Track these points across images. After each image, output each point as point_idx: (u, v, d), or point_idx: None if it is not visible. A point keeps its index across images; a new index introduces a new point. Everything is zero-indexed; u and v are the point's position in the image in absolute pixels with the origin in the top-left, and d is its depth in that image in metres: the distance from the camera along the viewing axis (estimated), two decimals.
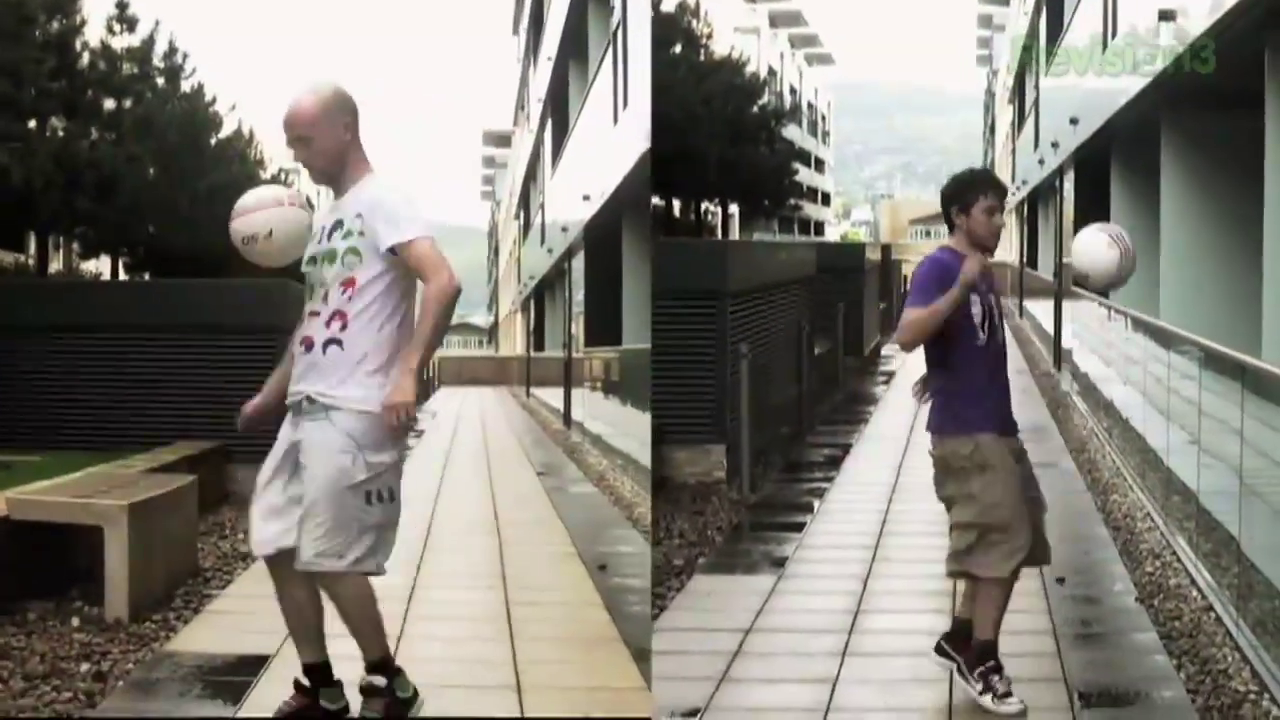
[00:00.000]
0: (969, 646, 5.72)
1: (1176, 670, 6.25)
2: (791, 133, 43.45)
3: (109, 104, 23.99)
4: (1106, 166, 17.81)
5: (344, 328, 4.99)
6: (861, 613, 7.37)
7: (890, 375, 21.67)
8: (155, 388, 12.70)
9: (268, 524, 5.14)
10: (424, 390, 33.69)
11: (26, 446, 12.15)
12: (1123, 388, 12.45)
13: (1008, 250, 40.64)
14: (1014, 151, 39.53)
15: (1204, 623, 6.99)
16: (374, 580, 5.18)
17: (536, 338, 37.68)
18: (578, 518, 11.79)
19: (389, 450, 5.07)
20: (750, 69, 37.34)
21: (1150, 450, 10.27)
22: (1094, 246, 6.00)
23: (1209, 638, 6.73)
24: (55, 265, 28.24)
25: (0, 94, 19.71)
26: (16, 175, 19.54)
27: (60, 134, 22.65)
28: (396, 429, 4.96)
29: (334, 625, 5.28)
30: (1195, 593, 7.57)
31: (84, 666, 6.42)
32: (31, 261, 26.60)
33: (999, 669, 5.60)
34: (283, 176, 35.38)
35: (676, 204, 35.58)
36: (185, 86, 26.93)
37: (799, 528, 9.84)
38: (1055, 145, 22.70)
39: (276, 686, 5.75)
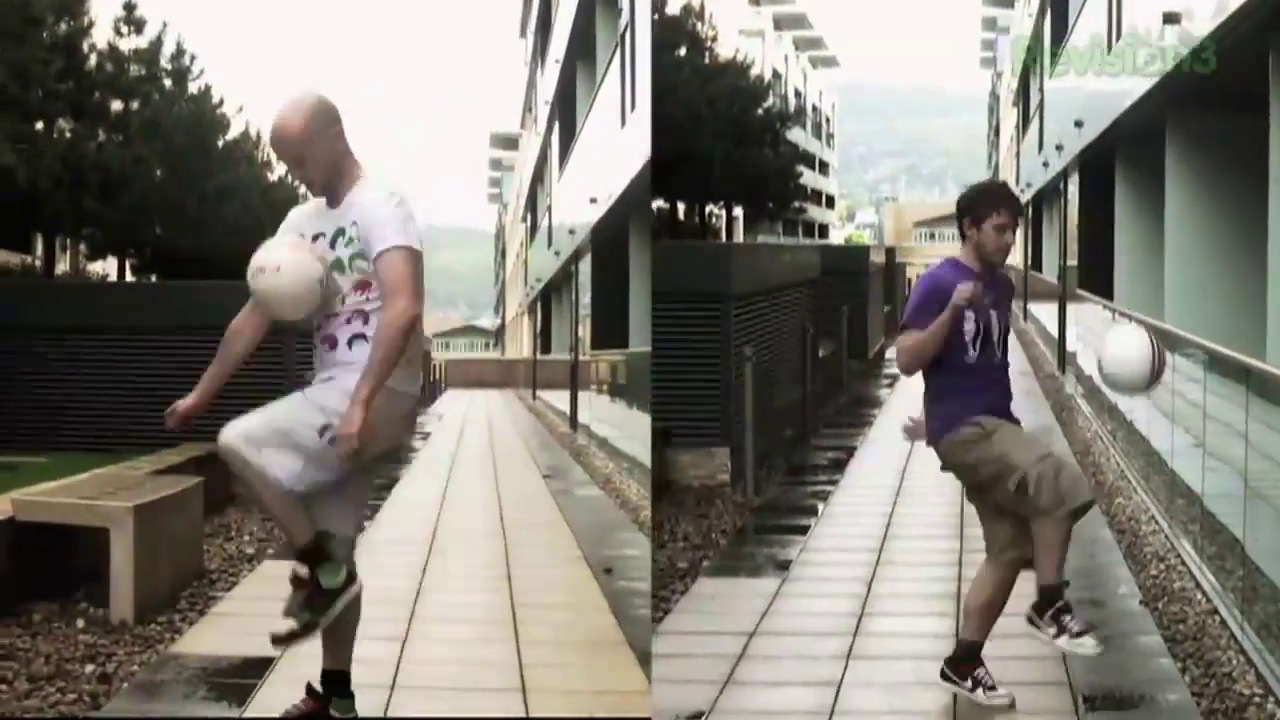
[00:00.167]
0: (973, 668, 5.74)
1: (1181, 673, 6.24)
2: (796, 135, 43.46)
3: (116, 105, 23.98)
4: (1111, 169, 17.80)
5: (366, 321, 4.99)
6: (865, 616, 7.37)
7: (894, 378, 21.65)
8: (162, 389, 12.62)
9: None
10: (429, 393, 33.70)
11: (32, 448, 12.18)
12: None
13: (1012, 253, 40.59)
14: (1018, 154, 39.51)
15: (1209, 626, 6.99)
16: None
17: (543, 340, 37.71)
18: (583, 521, 11.79)
19: (378, 425, 4.91)
20: (755, 72, 37.36)
21: (1155, 453, 10.26)
22: (1129, 349, 5.83)
23: (1214, 641, 6.72)
24: (62, 266, 28.25)
25: (7, 95, 19.69)
26: (23, 176, 19.53)
27: (67, 135, 22.65)
28: (344, 459, 4.84)
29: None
30: (1200, 596, 7.56)
31: (89, 668, 6.43)
32: (38, 263, 26.63)
33: (1069, 609, 5.52)
34: (289, 178, 35.43)
35: (681, 207, 35.59)
36: (193, 88, 26.94)
37: (803, 530, 9.84)
38: (1060, 148, 22.70)
39: (281, 689, 5.76)
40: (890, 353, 25.73)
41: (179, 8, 46.45)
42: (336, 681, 5.22)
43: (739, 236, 43.01)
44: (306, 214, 5.20)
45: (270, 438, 4.89)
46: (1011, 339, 5.98)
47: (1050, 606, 5.55)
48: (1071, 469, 5.63)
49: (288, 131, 4.97)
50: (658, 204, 31.18)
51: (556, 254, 29.65)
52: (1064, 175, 23.89)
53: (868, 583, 8.13)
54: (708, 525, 10.00)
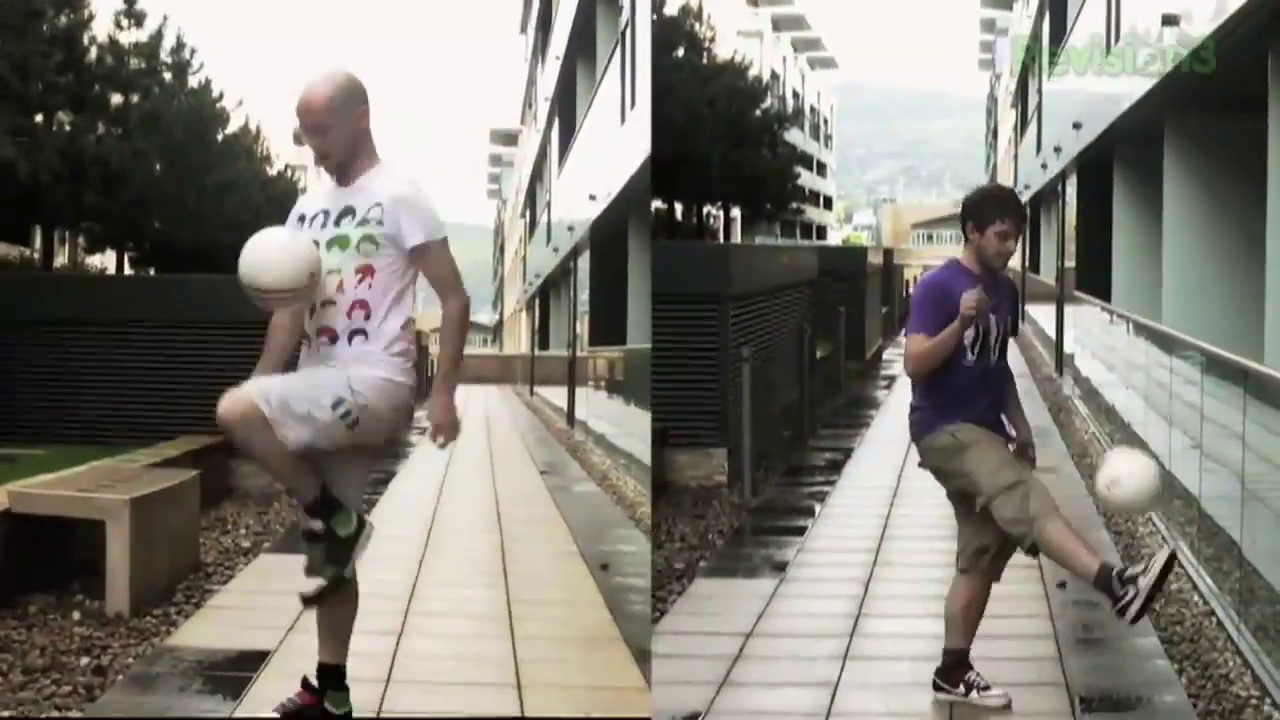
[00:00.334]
0: (964, 673, 5.76)
1: (1178, 675, 6.24)
2: (794, 136, 43.48)
3: (116, 99, 24.01)
4: (1109, 171, 17.80)
5: (368, 317, 4.97)
6: (863, 617, 7.37)
7: (892, 380, 21.66)
8: (159, 382, 12.75)
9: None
10: (426, 387, 33.54)
11: (29, 440, 12.19)
12: (1125, 392, 12.45)
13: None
14: (1016, 156, 39.51)
15: (1205, 627, 6.99)
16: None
17: (541, 336, 37.70)
18: (580, 517, 11.81)
19: (382, 414, 4.97)
20: (753, 72, 37.37)
21: (1152, 455, 10.25)
22: (1139, 467, 5.66)
23: (1210, 642, 6.73)
24: (61, 260, 28.28)
25: (7, 88, 19.69)
26: (23, 169, 19.54)
27: (67, 128, 22.66)
28: (443, 446, 5.00)
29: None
30: (1197, 597, 7.56)
31: (84, 660, 6.43)
32: (37, 256, 26.65)
33: (1123, 573, 5.37)
34: (289, 172, 35.45)
35: (679, 207, 35.60)
36: (192, 82, 26.99)
37: (800, 531, 9.84)
38: (1058, 150, 22.69)
39: (276, 682, 5.76)
40: (888, 354, 25.74)
41: (179, 1, 46.44)
42: (332, 675, 5.21)
43: (737, 237, 43.01)
44: (310, 197, 5.23)
45: (284, 398, 4.84)
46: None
47: (1114, 576, 5.36)
48: (1039, 489, 5.58)
49: (315, 100, 4.99)
50: (655, 205, 31.19)
51: (555, 250, 29.67)
52: (1062, 177, 23.88)
53: (865, 584, 8.13)
54: (705, 526, 10.00)
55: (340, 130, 5.02)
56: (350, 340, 4.97)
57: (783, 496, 11.47)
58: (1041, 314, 27.30)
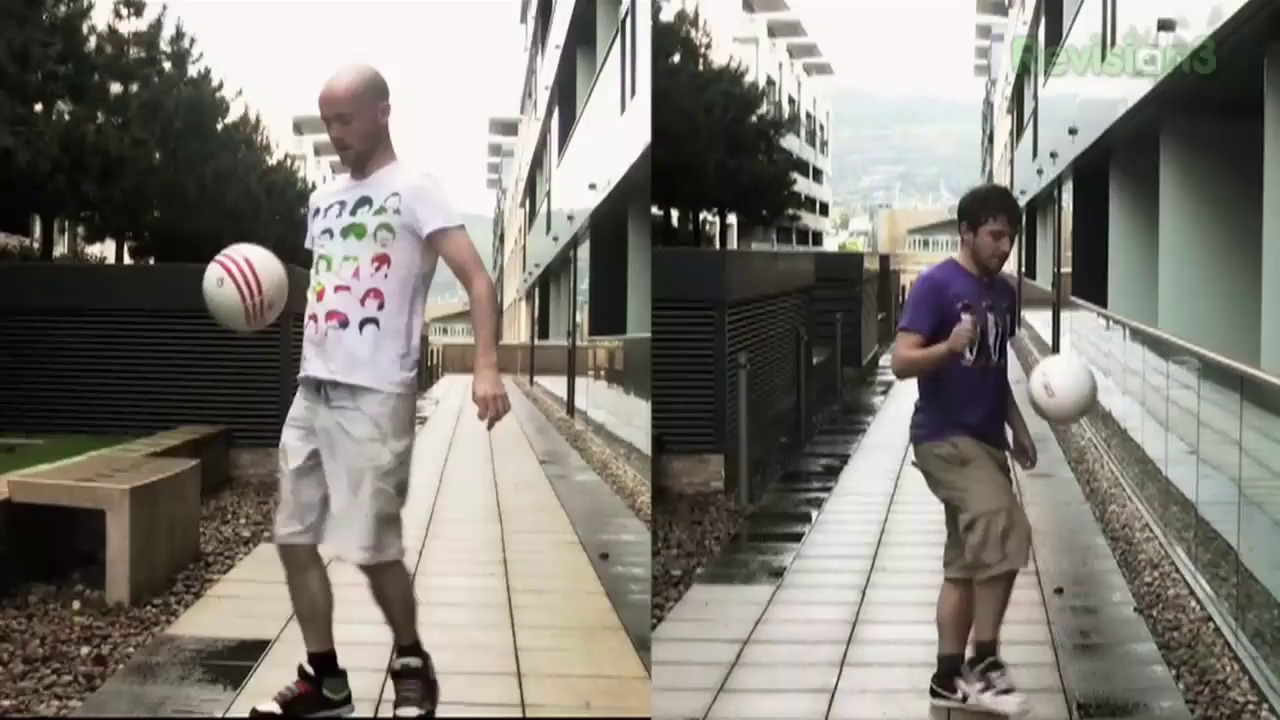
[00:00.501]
0: (959, 679, 5.74)
1: (1175, 680, 6.23)
2: (790, 142, 43.51)
3: (115, 88, 24.00)
4: (1105, 176, 17.82)
5: (381, 306, 5.01)
6: (860, 623, 7.35)
7: (888, 386, 21.65)
8: (159, 372, 12.74)
9: (301, 516, 5.11)
10: (426, 378, 33.70)
11: (29, 430, 12.19)
12: (1121, 398, 12.44)
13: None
14: (1012, 161, 39.57)
15: (1203, 633, 6.98)
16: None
17: (541, 326, 37.75)
18: (580, 506, 11.85)
19: (406, 436, 5.14)
20: (749, 79, 37.40)
21: (1149, 460, 10.26)
22: (1075, 369, 5.78)
23: (1208, 648, 6.72)
24: (60, 249, 28.25)
25: (7, 77, 19.64)
26: (22, 158, 19.48)
27: (66, 117, 22.61)
28: (492, 419, 4.98)
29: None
30: (1194, 603, 7.55)
31: (84, 650, 6.45)
32: (36, 245, 26.62)
33: (999, 665, 5.58)
34: (288, 162, 35.47)
35: (675, 213, 35.61)
36: (192, 71, 26.99)
37: (797, 538, 9.82)
38: (1054, 155, 22.73)
39: (277, 671, 5.77)
40: (884, 360, 25.72)
41: None
42: (325, 663, 5.22)
43: (733, 244, 43.02)
44: (325, 191, 5.25)
45: (384, 537, 5.19)
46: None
47: (981, 662, 5.59)
48: (1022, 530, 5.56)
49: (338, 90, 5.04)
50: (651, 211, 31.19)
51: (555, 240, 29.69)
52: (1058, 182, 23.92)
53: (862, 590, 8.12)
54: (701, 532, 9.98)
55: (361, 122, 5.06)
56: (361, 329, 5.00)
57: (779, 502, 11.46)
58: (1037, 319, 27.32)
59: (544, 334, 36.05)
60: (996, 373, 5.77)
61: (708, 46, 34.56)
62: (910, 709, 5.86)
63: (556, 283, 33.83)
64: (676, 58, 32.25)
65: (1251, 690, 6.04)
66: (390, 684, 5.31)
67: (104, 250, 28.62)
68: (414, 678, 5.16)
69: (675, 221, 35.66)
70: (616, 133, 18.38)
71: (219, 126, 27.90)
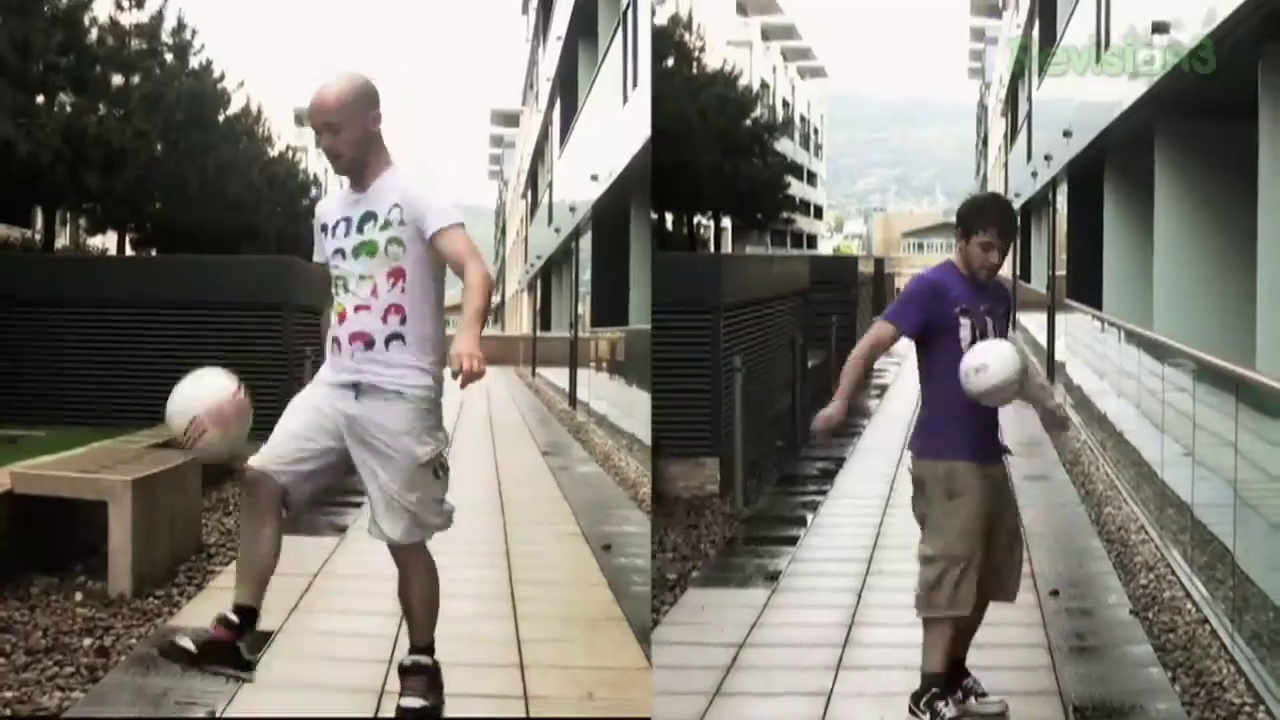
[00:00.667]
0: (958, 679, 5.73)
1: (1171, 683, 6.23)
2: (784, 146, 43.54)
3: (117, 79, 24.02)
4: (1099, 179, 17.82)
5: (403, 321, 5.02)
6: (856, 626, 7.35)
7: (883, 389, 21.66)
8: (160, 363, 12.73)
9: (294, 466, 5.05)
10: None
11: (31, 421, 12.19)
12: (1116, 400, 12.45)
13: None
14: (1007, 164, 39.57)
15: (1199, 635, 6.98)
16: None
17: (543, 317, 37.71)
18: (582, 497, 11.88)
19: (440, 428, 5.14)
20: (743, 82, 37.46)
21: (1144, 463, 10.26)
22: (1003, 353, 5.59)
23: (1204, 650, 6.72)
24: (62, 241, 28.26)
25: (8, 68, 19.63)
26: (24, 150, 19.50)
27: (68, 109, 22.63)
28: (469, 375, 4.75)
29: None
30: (1190, 605, 7.55)
31: (87, 641, 6.46)
32: (38, 237, 26.63)
33: (943, 695, 5.56)
34: (290, 153, 35.43)
35: (669, 217, 35.62)
36: (194, 63, 27.02)
37: (793, 541, 9.82)
38: (1048, 158, 22.72)
39: (280, 662, 5.78)
40: (879, 363, 25.70)
41: None
42: (249, 617, 5.13)
43: (727, 247, 43.06)
44: (329, 205, 5.23)
45: (423, 520, 5.11)
46: None
47: (925, 694, 5.57)
48: (967, 586, 5.53)
49: (328, 99, 5.04)
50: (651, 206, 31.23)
51: (557, 231, 29.70)
52: (1053, 185, 23.91)
53: (858, 593, 8.11)
54: (697, 536, 9.98)
55: (351, 131, 5.06)
56: (388, 345, 5.01)
57: (775, 506, 11.45)
58: (1032, 322, 27.32)
59: (546, 325, 36.02)
60: None
61: (702, 50, 34.60)
62: (906, 712, 5.84)
63: (558, 274, 33.80)
64: (671, 61, 32.29)
65: (1248, 692, 6.04)
66: (391, 680, 5.30)
67: (105, 242, 28.65)
68: (421, 674, 5.15)
69: (670, 225, 35.67)
70: (618, 124, 18.40)
71: (221, 118, 27.92)
